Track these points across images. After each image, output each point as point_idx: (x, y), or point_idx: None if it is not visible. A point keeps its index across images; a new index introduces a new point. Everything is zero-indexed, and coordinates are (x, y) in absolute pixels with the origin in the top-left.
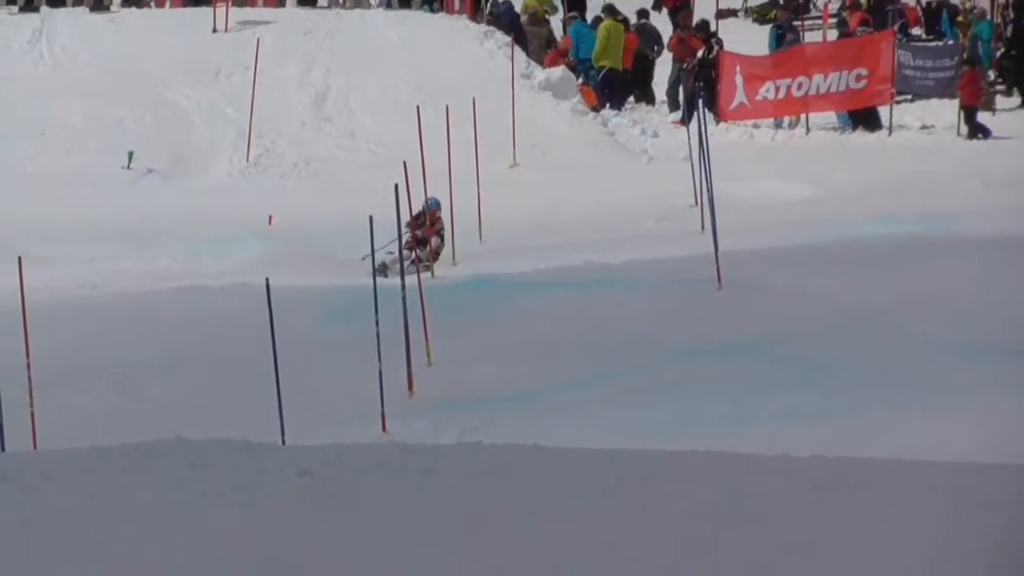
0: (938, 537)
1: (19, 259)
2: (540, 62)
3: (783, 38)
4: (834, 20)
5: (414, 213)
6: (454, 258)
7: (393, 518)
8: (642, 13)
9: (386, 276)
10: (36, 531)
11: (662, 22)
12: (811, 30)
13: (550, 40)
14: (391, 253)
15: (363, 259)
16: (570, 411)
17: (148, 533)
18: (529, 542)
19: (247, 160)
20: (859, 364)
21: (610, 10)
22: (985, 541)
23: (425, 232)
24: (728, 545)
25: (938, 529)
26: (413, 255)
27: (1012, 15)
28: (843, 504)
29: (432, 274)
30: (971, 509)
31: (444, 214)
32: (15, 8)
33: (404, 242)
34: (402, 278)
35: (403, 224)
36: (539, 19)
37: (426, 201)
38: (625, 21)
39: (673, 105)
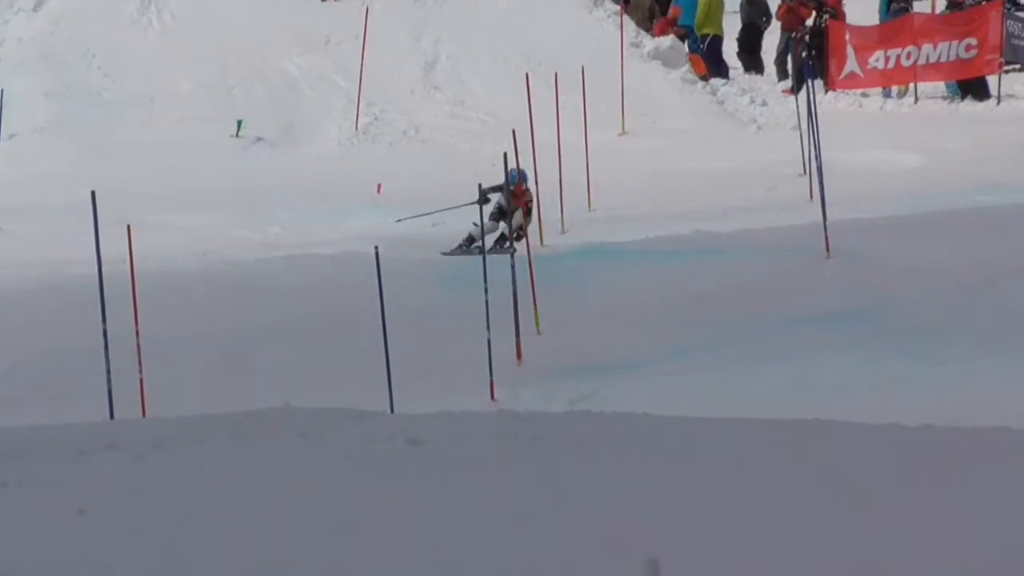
0: None
1: (128, 227)
2: (645, 31)
3: (892, 7)
4: None
5: (494, 185)
6: (563, 226)
7: (503, 485)
8: None
9: (471, 247)
10: (148, 499)
11: None
12: (920, 0)
13: (652, 10)
14: (476, 225)
15: (397, 221)
16: (678, 379)
17: (259, 501)
18: (638, 508)
19: (356, 129)
20: (968, 333)
21: None
22: None
23: (513, 204)
24: (839, 514)
25: None
26: (499, 230)
27: None
28: (952, 474)
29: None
30: None
31: (549, 182)
32: None
33: (490, 212)
34: (483, 249)
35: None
36: None
37: (508, 173)
38: None
39: (782, 74)
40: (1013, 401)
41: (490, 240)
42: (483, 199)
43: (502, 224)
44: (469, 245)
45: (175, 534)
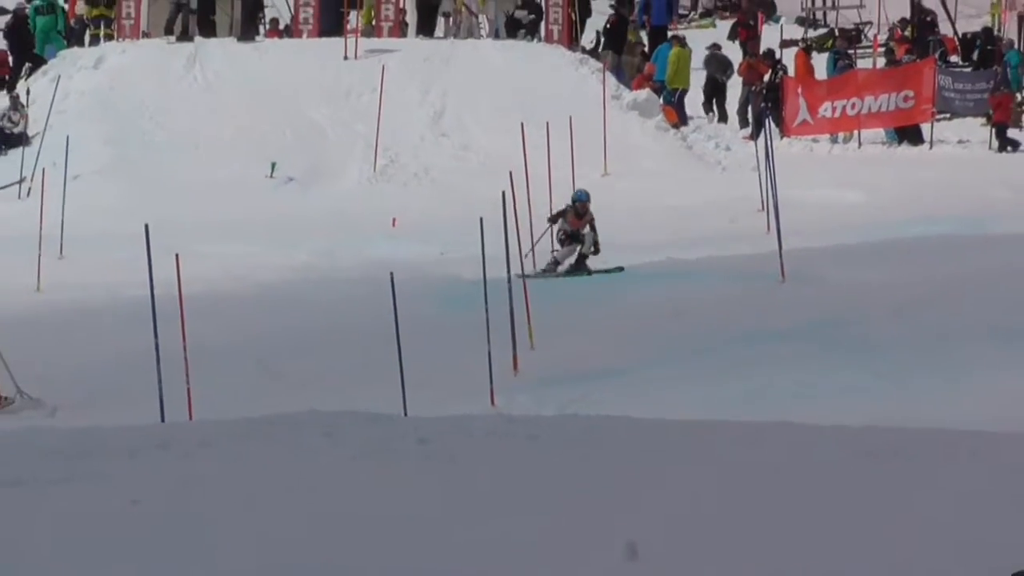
0: (979, 499)
1: (176, 256)
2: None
3: (838, 64)
4: (883, 49)
5: (556, 211)
6: (552, 255)
7: (501, 479)
8: (715, 45)
9: (555, 272)
10: (195, 490)
11: (734, 51)
12: (863, 57)
13: (640, 67)
14: (556, 251)
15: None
16: (654, 387)
17: (289, 492)
18: (620, 498)
19: (374, 170)
20: (906, 347)
21: (678, 40)
22: (1016, 501)
23: (575, 226)
24: (794, 503)
25: (978, 492)
26: (576, 251)
27: None
28: (894, 469)
29: (588, 272)
30: (1007, 474)
31: (541, 216)
32: (173, 38)
33: (556, 237)
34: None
35: (547, 221)
36: (631, 48)
37: (575, 194)
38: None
39: (743, 122)
40: (945, 407)
41: (569, 261)
42: (553, 221)
43: (575, 244)
44: (555, 268)
45: (217, 521)
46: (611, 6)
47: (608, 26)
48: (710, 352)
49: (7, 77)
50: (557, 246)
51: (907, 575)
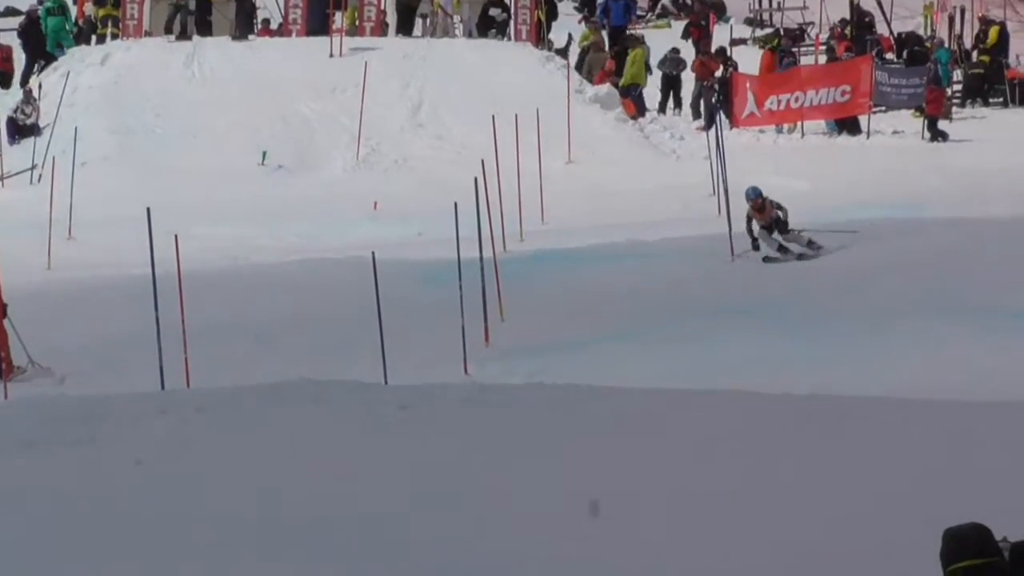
0: (914, 460)
1: (175, 237)
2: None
3: (783, 61)
4: (824, 47)
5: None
6: (521, 236)
7: (475, 441)
8: (674, 50)
9: (774, 257)
10: (193, 453)
11: (687, 48)
12: (806, 55)
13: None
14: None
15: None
16: (615, 358)
17: (281, 454)
18: (582, 460)
19: (357, 158)
20: (844, 321)
21: (637, 39)
22: (953, 463)
23: (761, 219)
24: (742, 467)
25: (915, 454)
26: (777, 240)
27: (972, 43)
28: (835, 434)
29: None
30: (939, 437)
31: (510, 200)
32: (173, 37)
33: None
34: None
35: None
36: (599, 48)
37: (747, 193)
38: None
39: (696, 114)
40: (880, 376)
41: (791, 244)
42: (753, 240)
43: (775, 235)
44: (778, 251)
45: (214, 481)
46: (575, 8)
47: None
48: (666, 326)
49: (10, 72)
50: (762, 243)
51: (849, 530)
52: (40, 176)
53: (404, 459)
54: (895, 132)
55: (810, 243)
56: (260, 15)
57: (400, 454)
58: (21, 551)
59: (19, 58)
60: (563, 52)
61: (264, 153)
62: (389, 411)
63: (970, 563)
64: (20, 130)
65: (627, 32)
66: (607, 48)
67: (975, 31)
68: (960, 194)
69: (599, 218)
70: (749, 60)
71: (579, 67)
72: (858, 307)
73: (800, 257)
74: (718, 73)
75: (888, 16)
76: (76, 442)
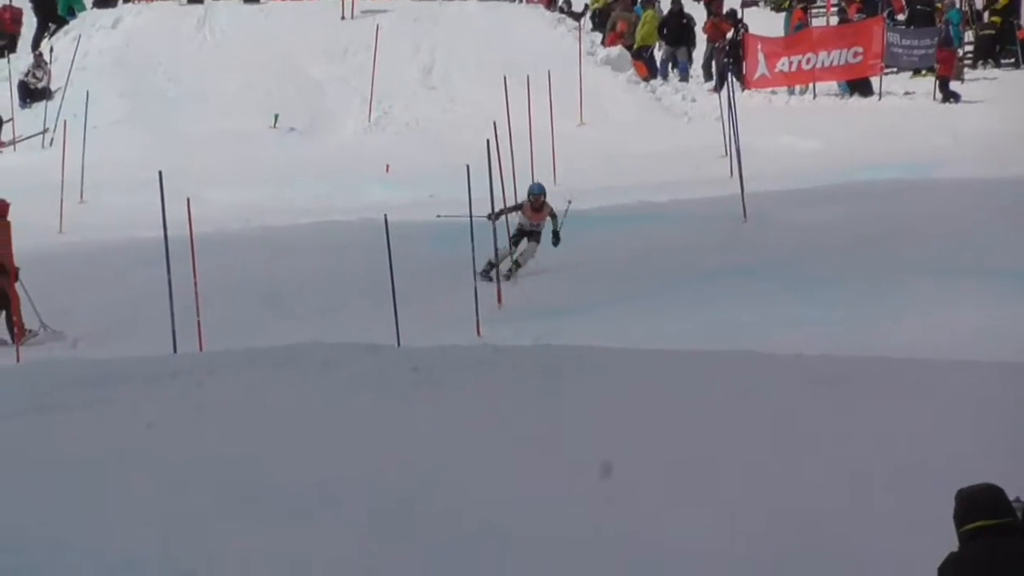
0: (921, 420)
1: (187, 200)
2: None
3: (795, 23)
4: (835, 8)
5: (513, 204)
6: None
7: (486, 402)
8: (676, 1)
9: (489, 276)
10: (204, 414)
11: (699, 11)
12: (817, 16)
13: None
14: (498, 250)
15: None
16: (625, 320)
17: (292, 416)
18: (592, 420)
19: (369, 121)
20: (856, 281)
21: (649, 2)
22: (961, 423)
23: (532, 220)
24: (752, 427)
25: (921, 413)
26: (514, 253)
27: (984, 4)
28: (844, 393)
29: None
30: (946, 397)
31: (523, 162)
32: (184, 1)
33: (511, 236)
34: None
35: (496, 210)
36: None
37: (530, 188)
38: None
39: (707, 76)
40: (891, 337)
41: (506, 265)
42: (496, 216)
43: (522, 244)
44: (490, 270)
45: (226, 442)
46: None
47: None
48: (677, 287)
49: (18, 34)
50: (509, 245)
51: (858, 490)
52: (52, 140)
53: (416, 420)
54: (907, 93)
55: (516, 264)
56: None
57: (412, 415)
58: (33, 513)
59: (29, 21)
60: (577, 15)
61: (276, 116)
62: (401, 373)
63: (983, 523)
64: (31, 94)
65: None
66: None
67: None
68: (971, 155)
69: (611, 180)
70: (761, 22)
71: (601, 26)
72: (867, 268)
73: (507, 276)
74: (729, 35)
75: None
76: (89, 405)
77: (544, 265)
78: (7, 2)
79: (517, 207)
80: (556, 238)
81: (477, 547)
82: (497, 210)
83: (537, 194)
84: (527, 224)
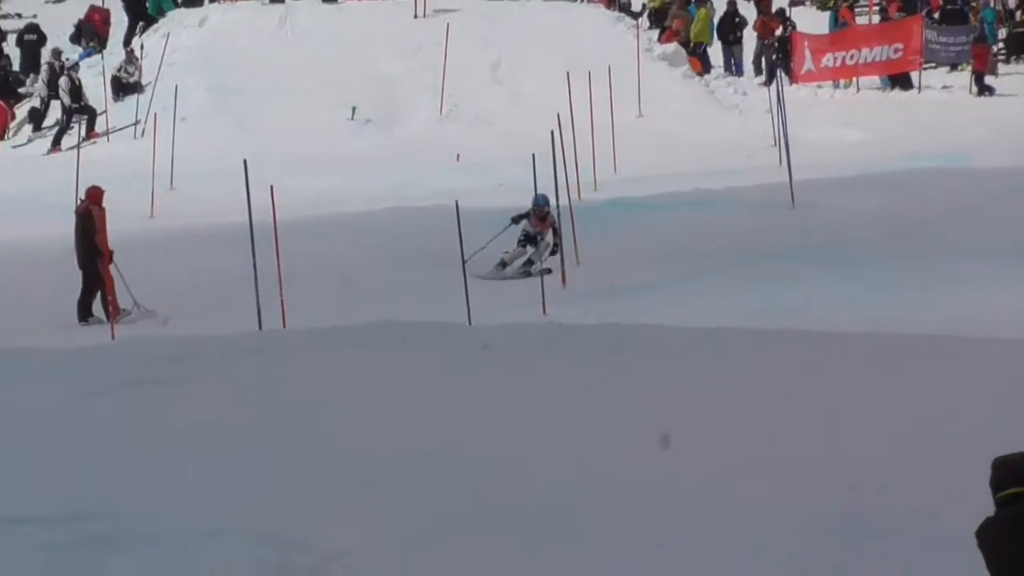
0: (959, 392)
1: (271, 187)
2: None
3: (839, 21)
4: (877, 7)
5: (521, 212)
6: (595, 186)
7: (552, 378)
8: (732, 2)
9: (504, 270)
10: (288, 389)
11: (750, 10)
12: (860, 15)
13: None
14: (506, 252)
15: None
16: (682, 299)
17: (370, 390)
18: (654, 394)
19: (440, 114)
20: (900, 263)
21: (703, 2)
22: (999, 397)
23: (536, 228)
24: (803, 401)
25: (959, 386)
26: (527, 255)
27: (1016, 3)
28: (885, 368)
29: (546, 271)
30: (984, 371)
31: (585, 153)
32: (267, 1)
33: (518, 238)
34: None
35: (512, 220)
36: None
37: (536, 199)
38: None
39: (757, 71)
40: (931, 314)
41: (519, 263)
42: (515, 221)
43: (528, 248)
44: (503, 268)
45: (310, 414)
46: None
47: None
48: (729, 269)
49: (106, 35)
50: (516, 247)
51: (897, 455)
52: (143, 131)
53: (486, 396)
54: (944, 87)
55: (528, 264)
56: None
57: (482, 390)
58: (124, 483)
59: (119, 20)
60: (635, 14)
61: (353, 109)
62: (472, 350)
63: (1017, 490)
64: (124, 88)
65: None
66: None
67: None
68: (1005, 144)
69: (667, 168)
70: (807, 20)
71: (658, 24)
72: (909, 250)
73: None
74: (778, 32)
75: None
76: (179, 380)
77: (606, 249)
78: (97, 3)
79: (525, 215)
80: (555, 249)
81: (544, 513)
82: (516, 215)
83: (541, 205)
84: (532, 231)
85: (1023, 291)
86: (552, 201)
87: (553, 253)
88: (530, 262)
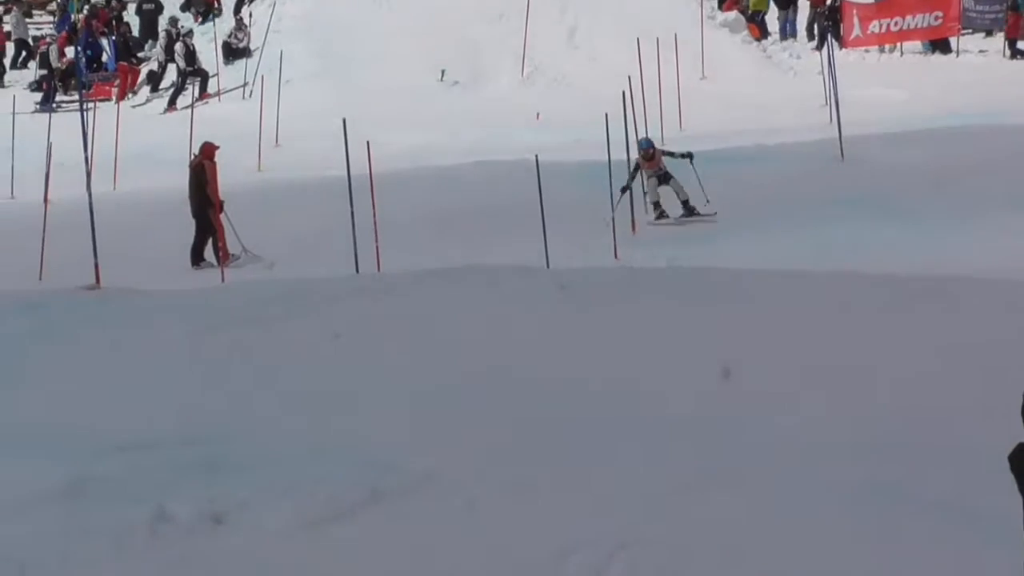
0: (1002, 331)
1: (367, 143)
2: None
3: None
4: None
5: (631, 169)
6: (663, 142)
7: (624, 315)
8: None
9: (668, 216)
10: (383, 326)
11: None
12: None
13: None
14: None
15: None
16: (741, 244)
17: (458, 324)
18: (715, 330)
19: (522, 75)
20: (940, 211)
21: None
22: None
23: (650, 168)
24: (851, 333)
25: (995, 323)
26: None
27: None
28: (931, 307)
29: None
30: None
31: (653, 112)
32: None
33: (643, 190)
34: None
35: (621, 191)
36: None
37: (639, 142)
38: None
39: (810, 36)
40: (971, 257)
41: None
42: (627, 188)
43: (664, 188)
44: (661, 214)
45: (403, 347)
46: None
47: None
48: (784, 217)
49: (213, 4)
50: (651, 195)
51: (939, 387)
52: (251, 92)
53: (562, 330)
54: (980, 51)
55: (685, 205)
56: None
57: (559, 327)
58: (236, 410)
59: None
60: None
61: (443, 72)
62: (550, 290)
63: None
64: (233, 53)
65: None
66: None
67: None
68: None
69: (728, 126)
70: None
71: None
72: (951, 199)
73: (683, 215)
74: (829, 1)
75: None
76: (283, 318)
77: (671, 197)
78: None
79: (636, 168)
80: (687, 155)
81: (614, 433)
82: (625, 184)
83: (645, 147)
84: (652, 173)
85: None
86: (623, 156)
87: (690, 157)
88: (686, 203)
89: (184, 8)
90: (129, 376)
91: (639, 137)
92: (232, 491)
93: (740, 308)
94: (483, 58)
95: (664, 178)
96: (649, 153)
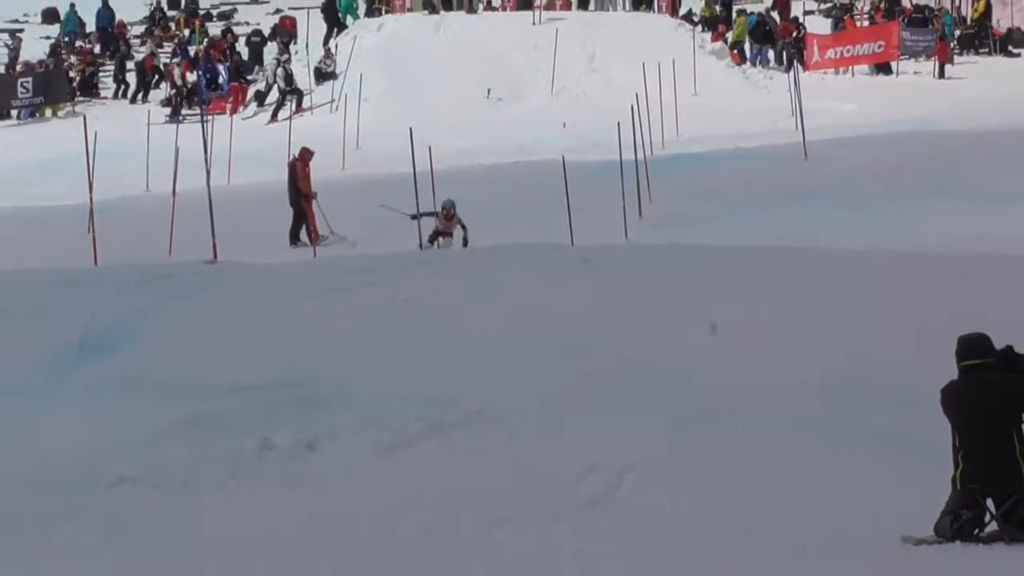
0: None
1: (429, 147)
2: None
3: (839, 25)
4: (867, 15)
5: (433, 209)
6: (663, 144)
7: (636, 283)
8: (768, 11)
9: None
10: (443, 294)
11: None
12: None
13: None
14: (425, 246)
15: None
16: (727, 226)
17: (502, 292)
18: (706, 292)
19: (551, 93)
20: (890, 198)
21: (741, 11)
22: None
23: (445, 226)
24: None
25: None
26: (435, 245)
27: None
28: (884, 278)
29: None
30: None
31: (655, 119)
32: (427, 12)
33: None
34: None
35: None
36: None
37: (444, 203)
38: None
39: (779, 62)
40: (913, 236)
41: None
42: (418, 217)
43: (436, 243)
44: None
45: (459, 309)
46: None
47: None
48: (760, 204)
49: (295, 35)
50: (427, 243)
51: (887, 338)
52: (337, 107)
53: (584, 296)
54: (915, 72)
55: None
56: None
57: (579, 293)
58: (324, 360)
59: (315, 25)
60: (693, 22)
61: (488, 90)
62: (574, 263)
63: (974, 362)
64: (323, 76)
65: (734, 7)
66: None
67: (971, 3)
68: (959, 114)
69: (716, 131)
70: (816, 25)
71: (709, 29)
72: (899, 192)
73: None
74: (795, 34)
75: None
76: (363, 286)
77: (671, 190)
78: (288, 13)
79: (433, 213)
80: (464, 244)
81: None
82: (421, 212)
83: (448, 208)
84: (441, 228)
85: (976, 218)
86: (630, 156)
87: (465, 245)
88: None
89: (270, 38)
90: (239, 333)
91: (447, 199)
92: (322, 424)
93: (728, 277)
94: (521, 79)
95: (445, 236)
96: (450, 214)
